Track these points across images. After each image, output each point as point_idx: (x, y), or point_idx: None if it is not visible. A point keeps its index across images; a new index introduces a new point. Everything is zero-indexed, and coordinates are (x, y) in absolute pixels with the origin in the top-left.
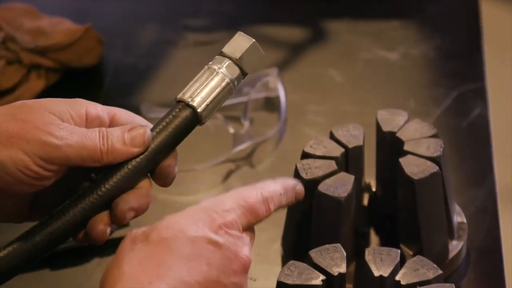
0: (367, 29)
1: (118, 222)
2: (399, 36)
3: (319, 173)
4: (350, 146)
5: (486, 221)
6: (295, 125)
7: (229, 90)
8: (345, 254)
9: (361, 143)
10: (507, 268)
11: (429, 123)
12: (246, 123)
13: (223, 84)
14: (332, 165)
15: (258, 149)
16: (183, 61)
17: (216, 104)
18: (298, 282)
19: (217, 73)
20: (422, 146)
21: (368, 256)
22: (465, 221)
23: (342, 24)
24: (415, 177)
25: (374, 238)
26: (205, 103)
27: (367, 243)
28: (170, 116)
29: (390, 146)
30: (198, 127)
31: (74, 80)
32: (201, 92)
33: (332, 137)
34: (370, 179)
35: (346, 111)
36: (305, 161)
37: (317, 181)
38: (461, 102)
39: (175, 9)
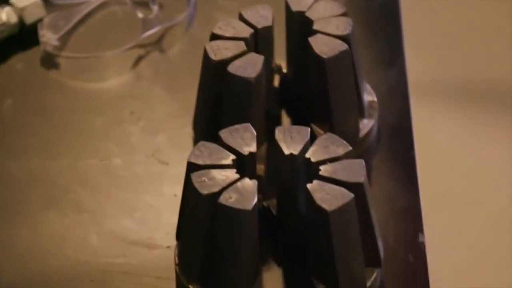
0: None
1: None
2: None
3: (229, 54)
4: (259, 26)
5: (397, 100)
6: (205, 9)
7: None
8: (255, 133)
9: (270, 23)
10: (418, 146)
11: (339, 2)
12: (155, 8)
13: None
14: (242, 46)
15: (168, 34)
16: None
17: None
18: (208, 162)
19: None
20: (331, 24)
21: (279, 135)
22: (375, 99)
23: None
24: (325, 56)
25: (285, 119)
26: None
27: (278, 125)
28: None
29: (299, 26)
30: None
31: None
32: None
33: (241, 18)
34: (281, 60)
35: None
36: (214, 42)
37: (226, 62)
38: None
39: None
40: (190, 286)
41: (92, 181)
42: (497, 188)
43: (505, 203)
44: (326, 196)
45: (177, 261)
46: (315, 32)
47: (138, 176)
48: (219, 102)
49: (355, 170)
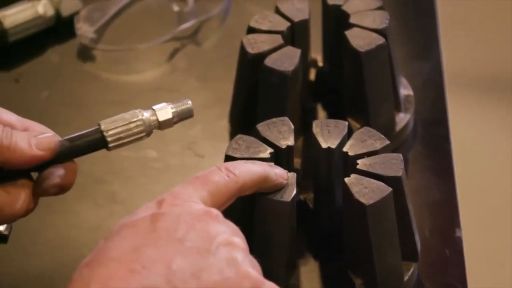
0: None
1: None
2: None
3: (265, 47)
4: (296, 20)
5: (433, 93)
6: (240, 2)
7: (139, 132)
8: (292, 127)
9: (306, 16)
10: (454, 139)
11: None
12: (190, 1)
13: (139, 129)
14: (278, 40)
15: (204, 26)
16: None
17: (124, 141)
18: (246, 155)
19: (139, 116)
20: (368, 18)
21: (316, 128)
22: (411, 93)
23: None
24: (361, 50)
25: (321, 113)
26: (116, 137)
27: (314, 118)
28: (86, 133)
29: (335, 20)
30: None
31: None
32: (118, 127)
33: (278, 11)
34: (317, 54)
35: None
36: (250, 36)
37: (263, 55)
38: None
39: None
40: None
41: (126, 173)
42: None
43: None
44: (364, 190)
45: None
46: (352, 25)
47: (172, 168)
48: (255, 95)
49: (392, 164)
